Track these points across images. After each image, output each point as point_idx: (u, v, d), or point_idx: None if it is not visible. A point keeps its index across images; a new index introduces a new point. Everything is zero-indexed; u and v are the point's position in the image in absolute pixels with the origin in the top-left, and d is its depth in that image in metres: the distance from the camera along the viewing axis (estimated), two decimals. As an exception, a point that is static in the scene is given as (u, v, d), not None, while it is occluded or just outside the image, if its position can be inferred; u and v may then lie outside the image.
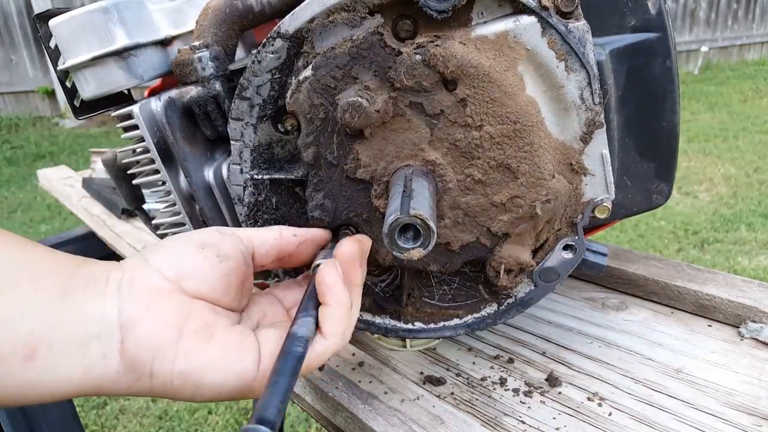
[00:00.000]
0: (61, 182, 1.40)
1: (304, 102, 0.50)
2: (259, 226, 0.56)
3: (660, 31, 0.55)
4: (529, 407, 0.53)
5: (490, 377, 0.58)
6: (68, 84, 0.62)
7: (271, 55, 0.51)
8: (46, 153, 5.35)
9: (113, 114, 0.60)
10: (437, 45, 0.46)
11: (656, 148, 0.59)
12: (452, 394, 0.55)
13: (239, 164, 0.55)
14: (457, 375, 0.58)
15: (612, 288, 0.73)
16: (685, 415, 0.50)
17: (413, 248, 0.41)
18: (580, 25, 0.46)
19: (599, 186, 0.52)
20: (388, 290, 0.59)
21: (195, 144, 0.58)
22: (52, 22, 0.57)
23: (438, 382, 0.57)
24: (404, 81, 0.47)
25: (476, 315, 0.57)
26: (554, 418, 0.51)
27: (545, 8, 0.46)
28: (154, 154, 0.57)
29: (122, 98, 0.63)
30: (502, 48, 0.47)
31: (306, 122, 0.51)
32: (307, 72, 0.49)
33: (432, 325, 0.58)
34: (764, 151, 4.31)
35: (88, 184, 1.28)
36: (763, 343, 0.59)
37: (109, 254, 1.10)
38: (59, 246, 1.18)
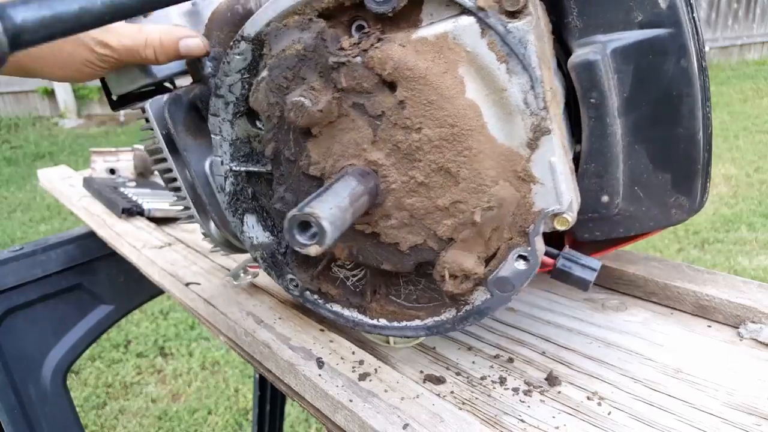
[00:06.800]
0: (61, 182, 1.40)
1: (262, 101, 0.52)
2: (239, 215, 0.61)
3: (673, 26, 0.50)
4: (528, 406, 0.53)
5: (489, 376, 0.58)
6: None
7: (238, 57, 0.54)
8: (46, 153, 5.35)
9: (132, 109, 0.67)
10: (376, 47, 0.46)
11: (672, 156, 0.54)
12: (452, 392, 0.56)
13: (220, 156, 0.59)
14: (457, 374, 0.58)
15: (612, 289, 0.73)
16: (684, 415, 0.50)
17: (310, 245, 0.41)
18: (519, 25, 0.43)
19: (550, 196, 0.48)
20: (359, 285, 0.60)
21: (201, 136, 0.63)
22: None
23: (438, 380, 0.57)
24: (343, 82, 0.48)
25: (436, 318, 0.56)
26: (554, 417, 0.51)
27: (481, 8, 0.43)
28: (161, 144, 0.63)
29: (164, 90, 0.68)
30: (442, 50, 0.46)
31: (266, 120, 0.53)
32: (264, 72, 0.51)
33: (395, 324, 0.58)
34: (765, 151, 4.31)
35: (88, 183, 1.28)
36: (763, 343, 0.59)
37: (110, 253, 1.10)
38: (59, 246, 1.18)
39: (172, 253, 0.93)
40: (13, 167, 5.05)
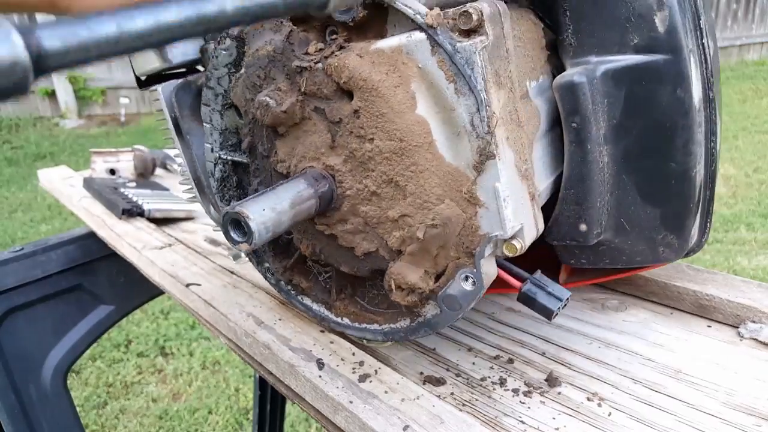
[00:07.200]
0: (62, 182, 1.40)
1: (240, 96, 0.54)
2: (225, 201, 0.64)
3: (671, 53, 0.46)
4: (528, 407, 0.53)
5: (489, 377, 0.58)
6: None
7: (224, 52, 0.56)
8: (47, 153, 5.35)
9: (151, 91, 0.70)
10: (336, 55, 0.47)
11: (662, 192, 0.50)
12: (452, 394, 0.56)
13: (210, 144, 0.62)
14: (457, 375, 0.59)
15: (612, 289, 0.73)
16: (684, 415, 0.50)
17: (241, 242, 0.43)
18: (467, 45, 0.42)
19: (494, 220, 0.46)
20: (329, 282, 0.61)
21: None
22: None
23: (438, 382, 0.57)
24: (304, 87, 0.49)
25: (392, 325, 0.56)
26: (554, 418, 0.51)
27: (430, 26, 0.43)
28: (169, 126, 0.67)
29: (195, 71, 0.71)
30: (396, 63, 0.45)
31: (244, 114, 0.55)
32: (242, 70, 0.54)
33: (356, 325, 0.59)
34: (764, 151, 4.31)
35: (88, 184, 1.28)
36: (763, 343, 0.59)
37: (110, 254, 1.10)
38: (60, 246, 1.18)
39: (172, 254, 0.93)
40: (14, 167, 5.05)
